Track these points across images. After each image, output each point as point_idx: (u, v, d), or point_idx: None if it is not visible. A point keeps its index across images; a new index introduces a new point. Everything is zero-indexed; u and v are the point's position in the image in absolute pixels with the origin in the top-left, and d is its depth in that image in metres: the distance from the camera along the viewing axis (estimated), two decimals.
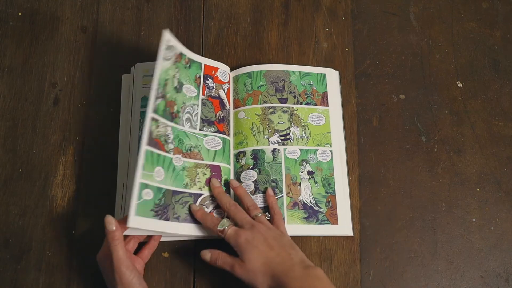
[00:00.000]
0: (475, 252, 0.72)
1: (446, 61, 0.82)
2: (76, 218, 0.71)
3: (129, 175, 0.70)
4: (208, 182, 0.69)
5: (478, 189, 0.75)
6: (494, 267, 0.72)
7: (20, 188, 0.72)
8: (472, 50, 0.82)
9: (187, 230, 0.66)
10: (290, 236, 0.66)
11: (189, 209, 0.66)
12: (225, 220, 0.64)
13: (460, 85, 0.81)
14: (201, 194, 0.68)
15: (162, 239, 0.69)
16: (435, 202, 0.74)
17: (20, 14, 0.81)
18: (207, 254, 0.64)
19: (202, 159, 0.70)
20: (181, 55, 0.70)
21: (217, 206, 0.68)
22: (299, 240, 0.70)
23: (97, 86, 0.78)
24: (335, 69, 0.80)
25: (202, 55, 0.80)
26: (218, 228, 0.63)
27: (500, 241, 0.73)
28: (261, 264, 0.59)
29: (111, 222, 0.60)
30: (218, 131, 0.72)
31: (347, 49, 0.82)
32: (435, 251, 0.72)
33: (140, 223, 0.61)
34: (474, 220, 0.74)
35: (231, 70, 0.78)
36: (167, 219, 0.65)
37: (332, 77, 0.78)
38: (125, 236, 0.67)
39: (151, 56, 0.79)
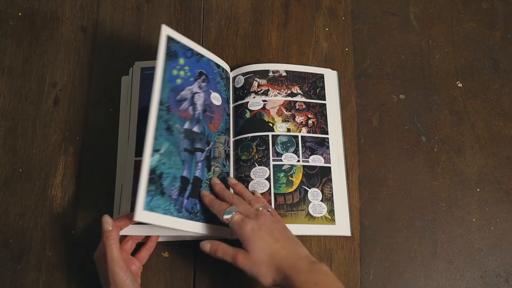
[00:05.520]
0: (475, 252, 0.72)
1: (446, 61, 0.82)
2: (76, 218, 0.71)
3: (127, 175, 0.70)
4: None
5: (478, 189, 0.75)
6: (494, 267, 0.72)
7: (20, 188, 0.72)
8: (472, 50, 0.82)
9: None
10: None
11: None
12: (233, 207, 0.62)
13: (460, 85, 0.81)
14: None
15: (162, 239, 0.69)
16: (435, 202, 0.74)
17: (20, 14, 0.81)
18: (206, 245, 0.63)
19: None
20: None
21: None
22: (298, 239, 0.71)
23: (97, 86, 0.78)
24: (335, 69, 0.79)
25: None
26: (225, 216, 0.62)
27: (500, 241, 0.73)
28: (266, 255, 0.58)
29: (107, 222, 0.61)
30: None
31: (347, 49, 0.82)
32: (435, 251, 0.72)
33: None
34: (474, 220, 0.74)
35: (230, 70, 0.78)
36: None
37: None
38: (124, 237, 0.67)
39: (151, 56, 0.79)
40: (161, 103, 0.63)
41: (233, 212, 0.62)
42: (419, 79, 0.80)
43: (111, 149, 0.74)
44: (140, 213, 0.59)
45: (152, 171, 0.61)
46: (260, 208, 0.64)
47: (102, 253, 0.62)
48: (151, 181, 0.60)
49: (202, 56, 0.71)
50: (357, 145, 0.77)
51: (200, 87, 0.70)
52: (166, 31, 0.66)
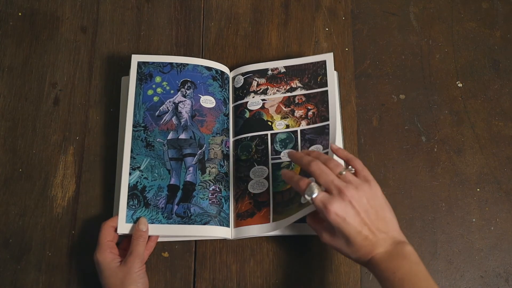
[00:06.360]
0: (475, 252, 0.72)
1: (446, 61, 0.82)
2: (76, 218, 0.71)
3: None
4: None
5: (478, 189, 0.75)
6: (494, 267, 0.72)
7: (20, 188, 0.72)
8: (472, 50, 0.82)
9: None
10: (285, 236, 0.66)
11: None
12: (312, 185, 0.59)
13: (460, 85, 0.81)
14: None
15: (162, 239, 0.69)
16: (435, 202, 0.74)
17: (20, 14, 0.81)
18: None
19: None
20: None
21: None
22: (298, 239, 0.71)
23: (97, 86, 0.78)
24: (335, 70, 0.79)
25: (202, 55, 0.80)
26: (306, 197, 0.59)
27: (500, 241, 0.73)
28: (350, 245, 0.58)
29: (145, 223, 0.65)
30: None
31: (347, 49, 0.82)
32: (435, 251, 0.72)
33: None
34: (474, 220, 0.74)
35: (230, 70, 0.78)
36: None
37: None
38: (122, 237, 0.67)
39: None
40: (136, 125, 0.70)
41: (314, 194, 0.58)
42: (419, 79, 0.80)
43: (111, 149, 0.74)
44: (123, 226, 0.66)
45: (133, 187, 0.67)
46: (343, 173, 0.60)
47: (104, 250, 0.64)
48: (132, 196, 0.67)
49: (185, 65, 0.74)
50: (357, 145, 0.77)
51: (184, 95, 0.72)
52: (136, 58, 0.73)
